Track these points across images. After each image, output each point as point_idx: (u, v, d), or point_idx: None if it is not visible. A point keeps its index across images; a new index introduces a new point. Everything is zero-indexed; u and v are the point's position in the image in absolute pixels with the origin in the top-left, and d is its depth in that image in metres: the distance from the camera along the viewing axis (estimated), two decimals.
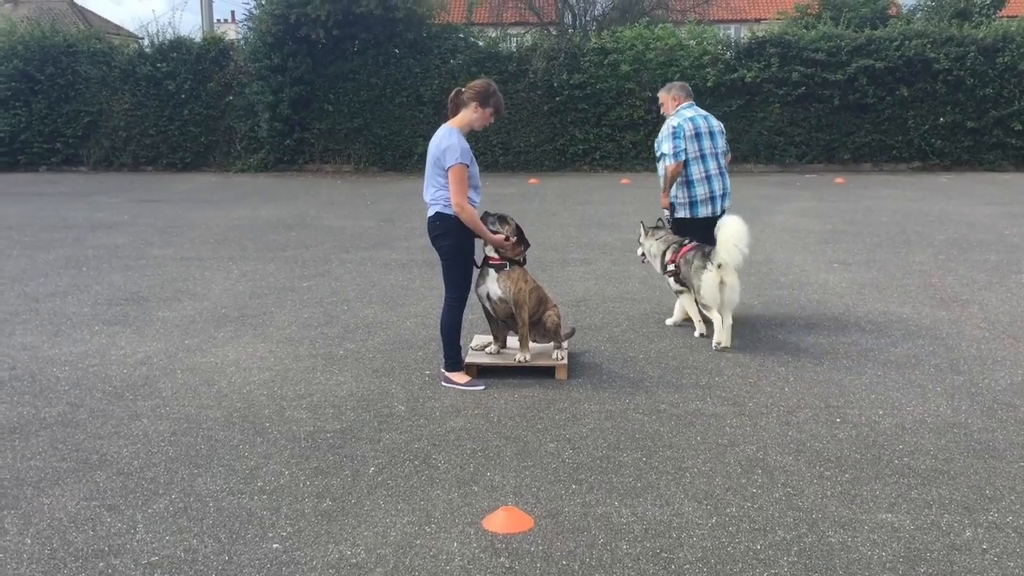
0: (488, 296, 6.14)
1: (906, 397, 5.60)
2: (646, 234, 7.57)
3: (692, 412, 5.39)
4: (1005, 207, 14.42)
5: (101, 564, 3.70)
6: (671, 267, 7.12)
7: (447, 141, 5.88)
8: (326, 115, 21.53)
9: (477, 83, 6.07)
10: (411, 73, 21.37)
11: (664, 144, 7.44)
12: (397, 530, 3.97)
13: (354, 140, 21.66)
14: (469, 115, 6.01)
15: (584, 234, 11.91)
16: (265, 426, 5.23)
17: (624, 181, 19.11)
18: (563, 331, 6.37)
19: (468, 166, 5.87)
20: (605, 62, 21.06)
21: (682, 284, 7.13)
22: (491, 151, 21.02)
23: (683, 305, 7.28)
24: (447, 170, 5.82)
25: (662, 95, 7.74)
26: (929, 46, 20.28)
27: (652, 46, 21.07)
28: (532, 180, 19.40)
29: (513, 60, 21.55)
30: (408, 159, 21.30)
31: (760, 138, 21.03)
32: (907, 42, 20.33)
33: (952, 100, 20.49)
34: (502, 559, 3.70)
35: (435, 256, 10.04)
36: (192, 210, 14.98)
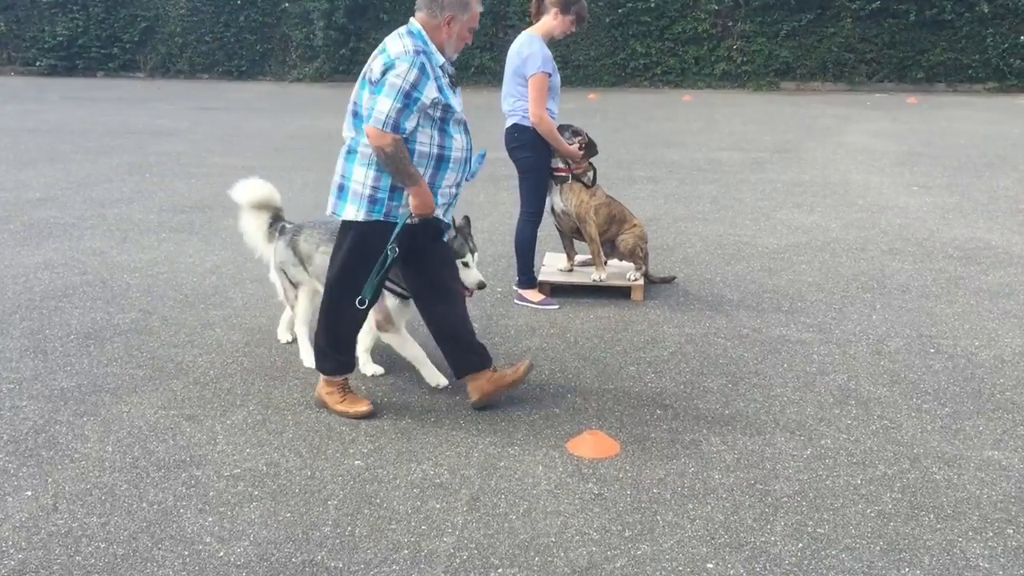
0: (552, 209, 5.96)
1: (1003, 328, 5.34)
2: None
3: (776, 338, 5.19)
4: None
5: (184, 475, 3.65)
6: None
7: (528, 49, 5.63)
8: (382, 24, 21.10)
9: None
10: None
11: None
12: (480, 451, 3.87)
13: None
14: (550, 22, 5.74)
15: (650, 152, 11.58)
16: None
17: (686, 98, 18.59)
18: (657, 274, 6.19)
19: (550, 75, 5.63)
20: None
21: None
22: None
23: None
24: (528, 79, 5.59)
25: None
26: None
27: None
28: (591, 95, 18.95)
29: None
30: (465, 71, 20.80)
31: (829, 55, 20.28)
32: None
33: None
34: (590, 484, 3.59)
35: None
36: (250, 119, 14.86)
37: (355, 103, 3.99)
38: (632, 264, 6.02)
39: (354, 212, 3.99)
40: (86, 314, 5.54)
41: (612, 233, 6.00)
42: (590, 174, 5.97)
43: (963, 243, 7.25)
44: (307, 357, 4.80)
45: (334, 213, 4.10)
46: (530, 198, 5.81)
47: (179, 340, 5.14)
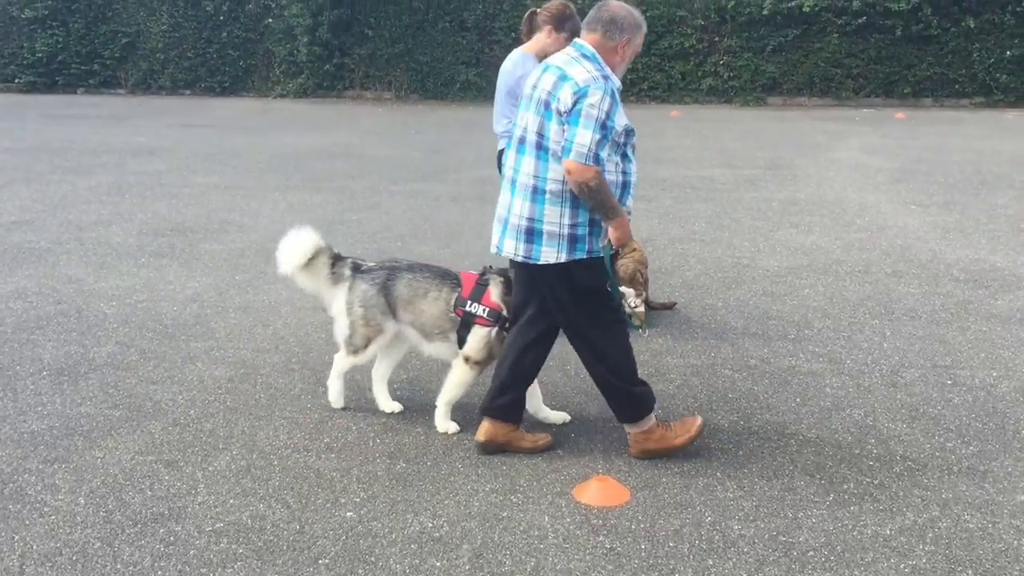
0: None
1: (1019, 357, 5.14)
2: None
3: (786, 369, 4.97)
4: None
5: (162, 530, 3.38)
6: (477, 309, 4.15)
7: (522, 68, 5.39)
8: (366, 40, 20.92)
9: (553, 5, 5.56)
10: None
11: None
12: (480, 499, 3.62)
13: (395, 66, 21.04)
14: (543, 40, 5.52)
15: (640, 169, 11.31)
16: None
17: (674, 114, 18.42)
18: (657, 299, 5.96)
19: None
20: None
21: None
22: None
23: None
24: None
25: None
26: None
27: None
28: None
29: None
30: (450, 87, 20.65)
31: (816, 70, 20.17)
32: None
33: (1020, 32, 19.45)
34: (601, 538, 3.34)
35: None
36: (233, 136, 14.58)
37: (539, 135, 3.68)
38: (632, 290, 5.79)
39: (555, 255, 3.72)
40: (60, 347, 5.25)
41: None
42: None
43: (968, 265, 7.06)
44: (385, 402, 4.42)
45: (527, 258, 3.75)
46: None
47: (158, 376, 4.86)
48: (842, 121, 17.05)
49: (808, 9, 19.63)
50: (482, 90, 20.06)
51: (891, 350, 5.25)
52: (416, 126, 16.14)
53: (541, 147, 3.67)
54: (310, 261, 4.36)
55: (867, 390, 4.68)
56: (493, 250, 3.90)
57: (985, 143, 14.01)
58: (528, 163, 3.72)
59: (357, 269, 4.36)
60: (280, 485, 3.72)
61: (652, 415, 3.94)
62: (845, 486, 3.70)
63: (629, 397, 3.91)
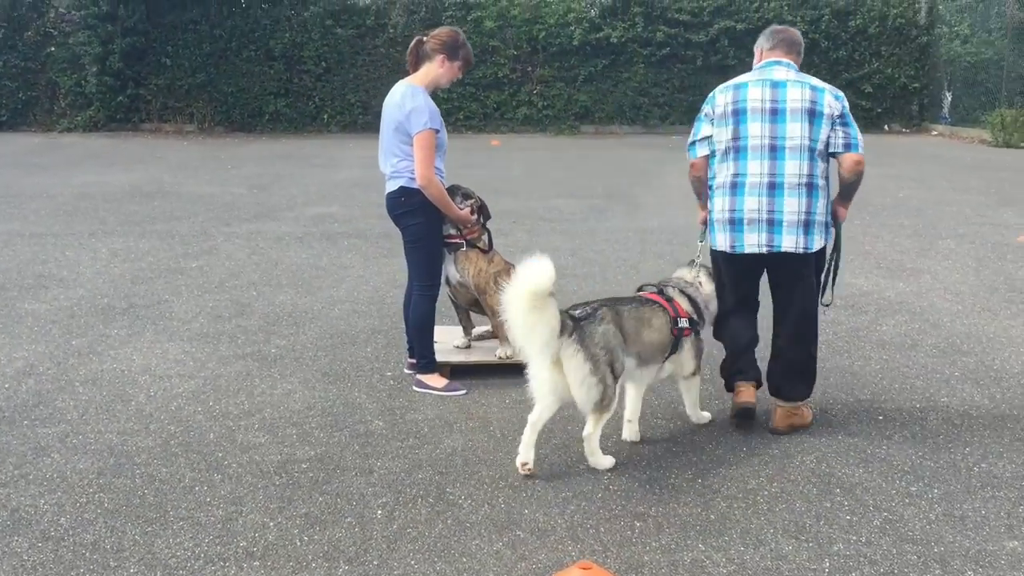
0: (447, 280, 5.33)
1: (931, 386, 5.14)
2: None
3: (717, 414, 4.72)
4: (882, 168, 14.51)
5: None
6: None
7: (412, 102, 4.96)
8: (164, 69, 19.64)
9: (443, 32, 5.15)
10: (259, 25, 19.65)
11: None
12: None
13: (197, 97, 19.83)
14: (435, 70, 5.11)
15: (485, 201, 11.04)
16: (218, 456, 4.20)
17: (494, 143, 18.34)
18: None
19: (437, 131, 4.99)
20: (468, 18, 20.15)
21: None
22: (349, 110, 19.53)
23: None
24: (413, 136, 4.91)
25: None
26: (786, 8, 20.58)
27: (516, 2, 20.36)
28: None
29: (371, 14, 20.20)
30: (258, 118, 19.61)
31: (625, 99, 20.78)
32: (766, 3, 20.53)
33: (807, 63, 20.52)
34: None
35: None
36: (23, 176, 13.11)
37: (810, 139, 4.26)
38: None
39: (821, 241, 4.40)
40: None
41: None
42: (485, 238, 5.38)
43: (837, 290, 7.13)
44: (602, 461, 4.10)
45: (806, 248, 4.33)
46: (424, 270, 5.10)
47: (6, 475, 4.01)
48: (657, 148, 17.48)
49: (615, 40, 20.19)
50: (293, 121, 19.15)
51: None
52: (230, 160, 15.13)
53: (812, 150, 4.28)
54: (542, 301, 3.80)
55: (807, 432, 4.51)
56: (762, 250, 4.34)
57: None
58: (794, 166, 4.27)
59: (575, 318, 4.01)
60: None
61: None
62: (835, 548, 3.45)
63: (814, 374, 4.61)
